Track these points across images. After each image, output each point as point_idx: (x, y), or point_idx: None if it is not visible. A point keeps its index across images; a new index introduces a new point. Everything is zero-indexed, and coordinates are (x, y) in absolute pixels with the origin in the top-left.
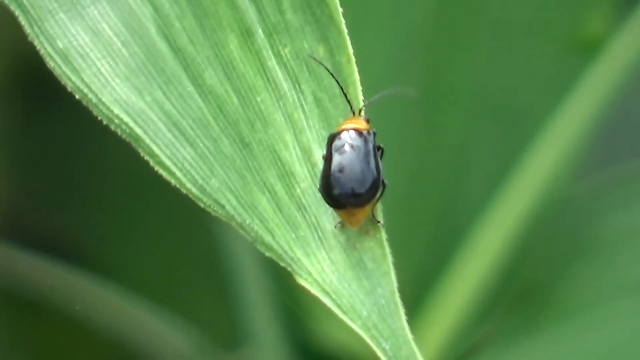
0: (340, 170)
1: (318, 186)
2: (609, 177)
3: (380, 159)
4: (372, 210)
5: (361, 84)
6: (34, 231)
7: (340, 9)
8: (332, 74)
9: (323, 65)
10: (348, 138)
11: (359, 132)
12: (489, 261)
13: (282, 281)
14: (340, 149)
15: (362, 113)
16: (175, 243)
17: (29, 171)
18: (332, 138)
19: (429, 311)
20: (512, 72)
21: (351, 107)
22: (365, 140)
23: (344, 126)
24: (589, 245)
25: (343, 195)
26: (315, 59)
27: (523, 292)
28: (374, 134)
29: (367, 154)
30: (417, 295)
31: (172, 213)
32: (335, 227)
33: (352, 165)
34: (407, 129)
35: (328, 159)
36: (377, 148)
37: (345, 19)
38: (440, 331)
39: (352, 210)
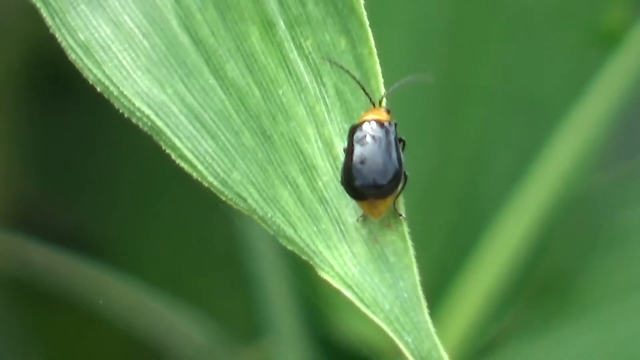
0: (362, 162)
1: (339, 178)
2: (629, 169)
3: (402, 151)
4: (394, 202)
5: (383, 77)
6: (51, 224)
7: (362, 1)
8: (346, 71)
9: (337, 64)
10: (369, 129)
11: (380, 123)
12: (510, 254)
13: (302, 274)
14: (362, 140)
15: (383, 104)
16: (193, 235)
17: (46, 165)
18: (353, 129)
19: (449, 304)
20: (532, 63)
21: (371, 100)
22: (387, 132)
23: (365, 117)
24: (609, 238)
25: (365, 187)
26: (330, 60)
27: (543, 285)
28: (395, 125)
29: (388, 145)
30: (437, 288)
31: (190, 205)
32: (357, 220)
33: (373, 156)
34: (427, 121)
35: (349, 150)
36: (399, 140)
37: (366, 11)
38: (461, 324)
39: (374, 202)
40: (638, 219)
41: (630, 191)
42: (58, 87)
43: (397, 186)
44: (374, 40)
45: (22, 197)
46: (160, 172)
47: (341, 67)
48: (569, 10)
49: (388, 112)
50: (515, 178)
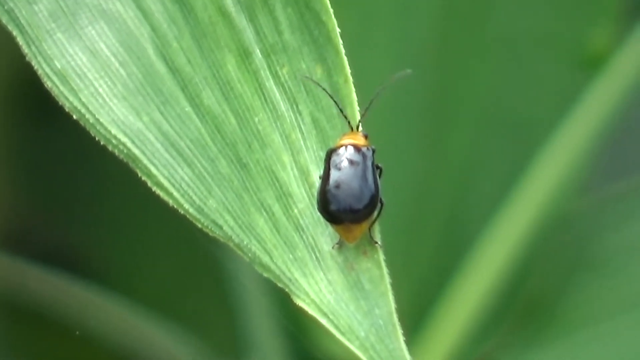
0: (338, 186)
1: (316, 203)
2: (614, 191)
3: (379, 177)
4: (370, 229)
5: (363, 103)
6: (40, 244)
7: (337, 30)
8: (328, 94)
9: (320, 85)
10: (346, 154)
11: (357, 148)
12: (494, 275)
13: (283, 298)
14: (338, 165)
15: (360, 129)
16: (180, 256)
17: (36, 185)
18: (330, 153)
19: (434, 325)
20: (517, 86)
21: (349, 123)
22: (364, 156)
23: (342, 142)
24: (594, 259)
25: (340, 211)
26: (311, 79)
27: (528, 307)
28: (373, 150)
29: (365, 169)
30: (422, 309)
31: (178, 226)
32: (332, 247)
33: (349, 181)
34: (412, 142)
35: (326, 174)
36: (376, 166)
37: (347, 35)
38: (446, 345)
39: (349, 226)
40: (622, 240)
41: (614, 213)
42: (49, 107)
43: (373, 211)
44: (357, 66)
45: (13, 218)
46: (151, 194)
47: (320, 86)
48: (554, 32)
49: (366, 137)
50: (500, 199)
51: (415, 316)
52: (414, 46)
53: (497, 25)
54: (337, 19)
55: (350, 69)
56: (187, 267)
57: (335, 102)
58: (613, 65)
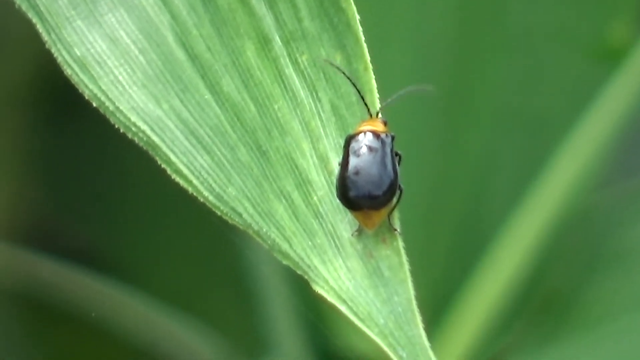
0: (357, 173)
1: (335, 190)
2: (632, 187)
3: (398, 164)
4: (389, 217)
5: (383, 92)
6: (61, 240)
7: (357, 17)
8: (348, 78)
9: (340, 69)
10: (365, 140)
11: (376, 135)
12: (512, 271)
13: (303, 290)
14: (357, 151)
15: (380, 115)
16: (200, 251)
17: (56, 181)
18: (349, 140)
19: (451, 321)
20: (535, 80)
21: (369, 110)
22: (383, 143)
23: (361, 128)
24: (612, 255)
25: (359, 197)
26: (332, 63)
27: (545, 303)
28: (392, 137)
29: (384, 156)
30: (439, 305)
31: (197, 221)
32: (352, 234)
33: (368, 167)
34: (430, 137)
35: (345, 160)
36: (395, 154)
37: (367, 26)
38: (463, 341)
39: (368, 213)
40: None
41: (632, 209)
42: (68, 103)
43: (392, 198)
44: (375, 56)
45: (32, 213)
46: (169, 189)
47: (343, 72)
48: (572, 27)
49: (385, 123)
50: (518, 195)
51: (433, 313)
52: (432, 39)
53: (514, 20)
54: (357, 8)
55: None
56: (206, 261)
57: (354, 84)
58: (631, 60)
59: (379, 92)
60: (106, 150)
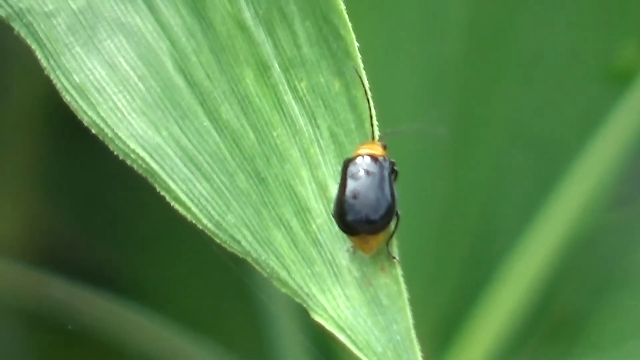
0: (354, 197)
1: (332, 212)
2: None
3: (394, 181)
4: (387, 245)
5: (393, 113)
6: (75, 260)
7: (356, 44)
8: (360, 76)
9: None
10: (363, 164)
11: (375, 158)
12: (523, 292)
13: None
14: (355, 175)
15: (377, 138)
16: (214, 270)
17: (71, 201)
18: (347, 163)
19: (462, 342)
20: (545, 102)
21: (372, 138)
22: (381, 167)
23: (359, 151)
24: (622, 277)
25: (357, 222)
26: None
27: (556, 324)
28: (391, 162)
29: (382, 180)
30: (450, 325)
31: (207, 239)
32: (347, 251)
33: (366, 191)
34: (440, 158)
35: (342, 184)
36: (392, 170)
37: (376, 47)
38: None
39: (366, 237)
40: None
41: None
42: (82, 124)
43: (389, 222)
44: (386, 77)
45: (46, 234)
46: None
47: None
48: (582, 49)
49: (384, 147)
50: (528, 216)
51: (444, 332)
52: (440, 62)
53: (525, 42)
54: (362, 35)
55: (376, 84)
56: (219, 280)
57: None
58: None
59: (389, 114)
60: (120, 171)
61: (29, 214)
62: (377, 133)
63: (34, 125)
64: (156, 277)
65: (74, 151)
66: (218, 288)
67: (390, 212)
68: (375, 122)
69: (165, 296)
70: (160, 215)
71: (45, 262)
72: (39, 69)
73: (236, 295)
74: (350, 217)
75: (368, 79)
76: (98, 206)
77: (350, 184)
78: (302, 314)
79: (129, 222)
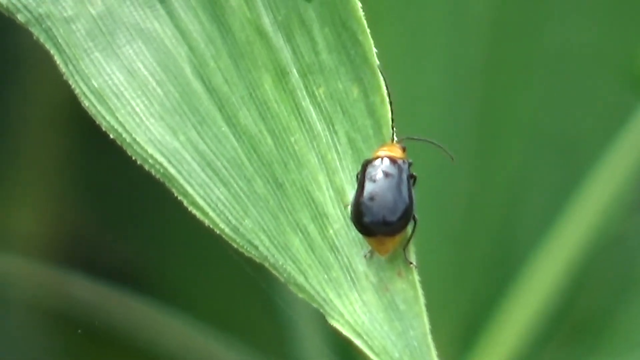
0: (372, 198)
1: (349, 213)
2: None
3: (413, 185)
4: (405, 250)
5: (416, 113)
6: (101, 260)
7: (374, 50)
8: (381, 72)
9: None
10: (382, 166)
11: (393, 160)
12: (545, 293)
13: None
14: (373, 177)
15: (395, 139)
16: (238, 270)
17: (96, 200)
18: (365, 164)
19: (485, 343)
20: (568, 103)
21: (393, 133)
22: (399, 169)
23: (379, 153)
24: None
25: (374, 223)
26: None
27: (579, 325)
28: (410, 163)
29: (400, 182)
30: (472, 327)
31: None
32: (365, 256)
33: (384, 193)
34: (463, 159)
35: (360, 185)
36: (411, 175)
37: (399, 46)
38: None
39: (382, 239)
40: None
41: None
42: None
43: (406, 224)
44: (409, 77)
45: (72, 234)
46: None
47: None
48: (606, 51)
49: (403, 149)
50: (551, 217)
51: (464, 337)
52: (463, 65)
53: (547, 44)
54: (384, 37)
55: (399, 86)
56: (245, 280)
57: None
58: None
59: (411, 117)
60: (144, 171)
61: (53, 213)
62: (395, 137)
63: (58, 126)
64: (179, 276)
65: (98, 151)
66: (239, 288)
67: (407, 214)
68: (393, 130)
69: (187, 295)
70: (184, 215)
71: (68, 261)
72: (59, 74)
73: (255, 296)
74: (367, 219)
75: (389, 83)
76: (122, 206)
77: (369, 186)
78: (320, 319)
79: (152, 221)
